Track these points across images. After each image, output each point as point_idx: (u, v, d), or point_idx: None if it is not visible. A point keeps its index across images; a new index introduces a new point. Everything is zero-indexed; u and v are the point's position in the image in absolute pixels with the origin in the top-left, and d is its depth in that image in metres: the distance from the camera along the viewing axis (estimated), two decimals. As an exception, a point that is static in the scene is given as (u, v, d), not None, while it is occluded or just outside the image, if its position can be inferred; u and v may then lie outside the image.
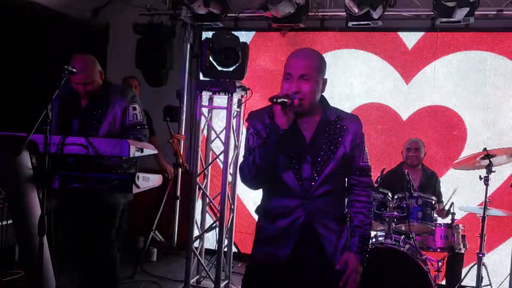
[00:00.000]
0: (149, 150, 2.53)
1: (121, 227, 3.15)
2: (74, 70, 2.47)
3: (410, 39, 4.86)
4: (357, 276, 2.10)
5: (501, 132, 4.65)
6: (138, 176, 2.35)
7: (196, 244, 4.38)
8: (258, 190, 2.21)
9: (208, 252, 4.73)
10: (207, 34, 5.17)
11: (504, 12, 4.18)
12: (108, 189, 2.53)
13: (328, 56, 5.11)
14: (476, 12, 3.97)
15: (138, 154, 2.38)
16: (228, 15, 4.89)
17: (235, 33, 4.15)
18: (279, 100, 1.94)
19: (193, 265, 4.30)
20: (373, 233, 3.81)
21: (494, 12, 4.22)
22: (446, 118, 4.81)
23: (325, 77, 2.12)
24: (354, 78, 5.06)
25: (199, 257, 4.35)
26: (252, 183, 2.13)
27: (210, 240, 4.91)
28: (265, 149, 2.00)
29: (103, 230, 3.02)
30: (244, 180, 2.13)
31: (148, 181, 2.50)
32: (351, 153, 2.11)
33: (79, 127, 2.92)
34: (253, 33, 5.32)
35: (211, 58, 4.04)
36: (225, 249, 4.28)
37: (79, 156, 2.33)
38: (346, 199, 2.22)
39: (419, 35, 4.82)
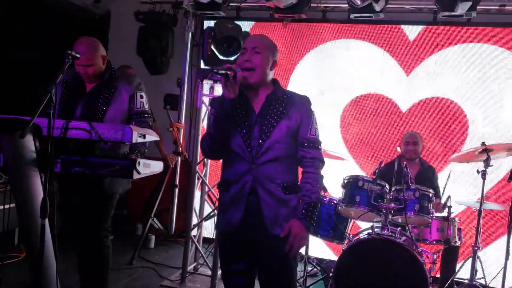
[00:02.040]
0: (151, 137, 2.55)
1: (118, 215, 3.16)
2: (77, 55, 2.48)
3: (412, 31, 4.87)
4: (301, 241, 2.24)
5: (501, 126, 4.68)
6: (139, 162, 2.37)
7: (194, 232, 4.42)
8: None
9: (206, 240, 4.77)
10: (208, 23, 5.17)
11: (507, 7, 4.20)
12: (110, 174, 2.56)
13: (328, 46, 5.14)
14: (478, 7, 3.98)
15: (140, 140, 2.39)
16: (230, 4, 4.88)
17: (237, 22, 4.16)
18: (220, 71, 2.15)
19: (191, 253, 4.34)
20: (369, 224, 3.86)
21: (497, 7, 4.24)
22: (446, 110, 4.83)
23: (275, 59, 2.35)
24: (355, 68, 5.06)
25: (197, 244, 4.39)
26: (210, 153, 2.39)
27: (208, 229, 4.95)
28: (216, 120, 2.27)
29: (98, 219, 3.04)
30: (203, 152, 2.41)
31: (149, 167, 2.52)
32: (297, 126, 2.30)
33: (83, 111, 2.92)
34: (254, 23, 5.32)
35: (213, 47, 4.05)
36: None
37: (81, 141, 2.35)
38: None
39: (420, 27, 4.83)
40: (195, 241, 4.35)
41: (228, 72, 2.15)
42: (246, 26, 5.19)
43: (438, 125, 4.85)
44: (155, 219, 5.01)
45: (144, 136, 2.44)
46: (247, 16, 5.27)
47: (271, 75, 2.35)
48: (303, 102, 2.36)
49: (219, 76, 2.16)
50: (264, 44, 2.31)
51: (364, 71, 5.04)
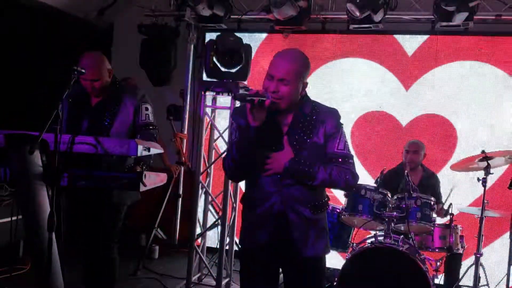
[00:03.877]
0: (156, 150, 2.59)
1: (124, 226, 3.20)
2: (83, 70, 2.53)
3: (410, 46, 4.94)
4: (274, 164, 2.16)
5: (499, 138, 4.73)
6: (145, 175, 2.41)
7: (198, 242, 4.45)
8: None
9: (210, 250, 4.80)
10: (210, 35, 5.24)
11: (503, 17, 4.25)
12: (116, 187, 2.60)
13: (329, 65, 5.21)
14: (475, 17, 4.04)
15: (145, 153, 2.44)
16: (232, 17, 4.96)
17: (238, 34, 4.22)
18: (247, 99, 2.06)
19: (195, 263, 4.37)
20: (372, 233, 3.88)
21: (493, 17, 4.29)
22: (440, 126, 4.90)
23: (306, 80, 2.23)
24: (355, 89, 5.14)
25: (201, 254, 4.42)
26: (232, 176, 2.36)
27: (212, 238, 4.98)
28: (240, 144, 2.17)
29: (105, 231, 3.06)
30: (225, 173, 2.32)
31: (155, 179, 2.56)
32: (324, 143, 2.21)
33: (89, 126, 2.97)
34: (256, 35, 5.40)
35: (215, 59, 4.11)
36: (227, 247, 4.35)
37: (88, 155, 2.39)
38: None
39: (418, 42, 4.90)
40: (199, 251, 4.38)
41: (255, 99, 2.06)
42: (248, 38, 5.26)
43: (436, 139, 4.91)
44: (158, 229, 5.04)
45: (149, 149, 2.48)
46: (248, 28, 5.34)
47: (299, 97, 2.24)
48: (332, 116, 2.25)
49: (247, 101, 2.06)
50: (293, 73, 2.14)
51: (364, 88, 5.11)
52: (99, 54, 3.07)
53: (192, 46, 5.43)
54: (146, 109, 3.08)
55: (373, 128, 5.13)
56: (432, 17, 4.32)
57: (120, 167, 2.89)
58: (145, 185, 2.44)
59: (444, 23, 4.06)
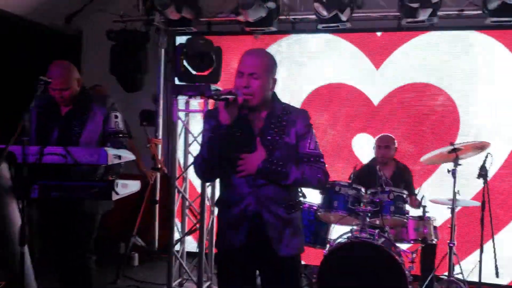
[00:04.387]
0: (127, 157, 2.59)
1: (99, 235, 3.17)
2: (49, 80, 2.51)
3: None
4: (247, 165, 2.18)
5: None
6: (117, 183, 2.40)
7: (177, 247, 4.44)
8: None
9: (190, 254, 4.79)
10: (181, 39, 5.22)
11: (465, 12, 4.37)
12: (88, 197, 2.58)
13: (299, 40, 5.26)
14: (439, 12, 4.13)
15: (116, 161, 2.44)
16: (201, 19, 4.96)
17: (209, 37, 4.23)
18: (221, 97, 2.10)
19: (175, 268, 4.36)
20: (348, 228, 3.94)
21: (456, 12, 4.40)
22: (418, 94, 4.95)
23: (275, 76, 2.28)
24: (326, 66, 5.17)
25: (181, 260, 4.41)
26: (202, 176, 2.36)
27: (192, 243, 4.97)
28: (210, 144, 2.18)
29: (81, 240, 3.04)
30: (196, 173, 2.33)
31: (127, 187, 2.56)
32: (296, 143, 2.25)
33: (59, 135, 2.93)
34: (227, 37, 5.41)
35: (185, 63, 4.12)
36: (207, 251, 4.35)
37: (58, 166, 2.37)
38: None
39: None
40: (179, 256, 4.37)
41: (229, 97, 2.09)
42: (218, 40, 5.26)
43: (409, 115, 4.98)
44: (137, 237, 5.01)
45: (119, 157, 2.48)
46: (219, 30, 5.34)
47: (271, 94, 2.29)
48: (302, 116, 2.29)
49: (221, 100, 2.09)
50: (262, 67, 2.20)
51: (334, 64, 5.15)
52: (67, 63, 3.05)
53: (163, 51, 5.41)
54: (116, 117, 3.06)
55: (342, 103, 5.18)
56: (398, 13, 4.40)
57: (91, 176, 2.86)
58: (117, 194, 2.44)
59: (409, 20, 4.15)
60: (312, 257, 5.01)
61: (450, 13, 4.43)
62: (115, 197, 2.44)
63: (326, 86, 5.20)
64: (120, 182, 2.47)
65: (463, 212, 4.63)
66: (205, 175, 2.34)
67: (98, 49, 5.51)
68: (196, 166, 2.29)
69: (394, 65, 5.00)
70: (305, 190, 3.95)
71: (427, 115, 4.94)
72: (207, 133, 2.26)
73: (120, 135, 3.03)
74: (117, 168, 2.93)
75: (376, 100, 5.09)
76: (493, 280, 4.10)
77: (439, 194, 4.23)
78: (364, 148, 5.01)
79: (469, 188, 4.44)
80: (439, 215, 4.33)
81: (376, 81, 5.06)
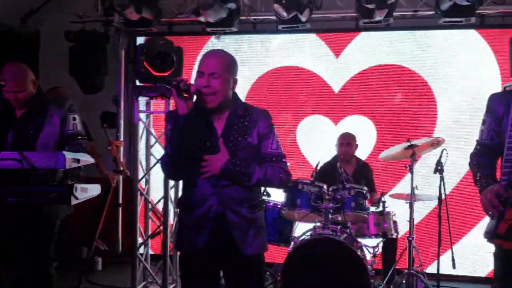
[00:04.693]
0: (86, 160, 2.55)
1: (60, 240, 3.12)
2: (2, 83, 2.45)
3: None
4: (211, 166, 2.19)
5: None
6: (76, 187, 2.37)
7: (142, 250, 4.40)
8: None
9: (154, 257, 4.75)
10: (141, 39, 5.18)
11: (419, 12, 4.52)
12: (46, 202, 2.53)
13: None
14: (395, 13, 4.26)
15: (74, 165, 2.40)
16: (162, 20, 4.92)
17: (170, 37, 4.20)
18: (171, 81, 2.12)
19: (139, 272, 4.32)
20: (312, 225, 4.01)
21: (411, 12, 4.55)
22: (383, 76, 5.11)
23: (235, 77, 2.29)
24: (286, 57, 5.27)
25: (145, 263, 4.37)
26: (169, 174, 2.39)
27: (155, 246, 4.92)
28: (172, 138, 2.20)
29: (40, 246, 2.97)
30: (164, 172, 2.36)
31: (87, 191, 2.52)
32: (258, 143, 2.27)
33: (14, 139, 2.87)
34: (189, 37, 5.39)
35: (146, 64, 4.08)
36: (172, 253, 4.33)
37: (14, 170, 2.31)
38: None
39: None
40: (143, 259, 4.33)
41: (180, 84, 2.09)
42: (179, 40, 5.23)
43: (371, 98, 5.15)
44: (99, 241, 4.93)
45: (78, 161, 2.44)
46: (180, 30, 5.32)
47: (231, 94, 2.29)
48: (264, 116, 2.31)
49: (169, 86, 2.09)
50: (223, 67, 2.21)
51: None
52: (21, 64, 2.98)
53: (123, 51, 5.33)
54: (74, 119, 3.01)
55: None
56: (356, 14, 4.51)
57: (49, 181, 2.79)
58: (76, 198, 2.41)
59: (366, 20, 4.25)
60: (277, 255, 5.07)
61: (405, 14, 4.57)
62: (74, 201, 2.40)
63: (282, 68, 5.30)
64: (79, 186, 2.43)
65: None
66: (172, 172, 2.34)
67: (56, 50, 5.39)
68: (162, 164, 2.30)
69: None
70: (268, 189, 4.01)
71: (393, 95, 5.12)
72: (169, 131, 2.26)
73: (79, 137, 2.98)
74: (76, 172, 2.88)
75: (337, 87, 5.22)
76: (450, 271, 4.26)
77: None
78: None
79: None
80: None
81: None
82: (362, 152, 4.86)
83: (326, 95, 5.24)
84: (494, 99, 2.23)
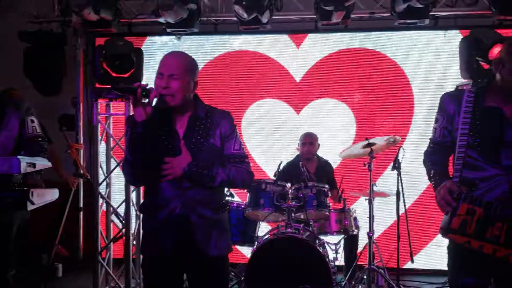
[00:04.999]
0: (43, 164, 2.49)
1: (18, 247, 3.04)
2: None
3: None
4: (173, 169, 2.17)
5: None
6: (32, 192, 2.31)
7: (104, 254, 4.33)
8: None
9: (116, 261, 4.68)
10: (100, 40, 5.08)
11: (376, 14, 4.64)
12: (1, 207, 2.46)
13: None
14: (352, 15, 4.36)
15: (30, 169, 2.34)
16: (121, 20, 4.85)
17: (129, 38, 4.15)
18: (127, 87, 2.12)
19: (101, 277, 4.25)
20: (275, 224, 4.05)
21: (368, 14, 4.67)
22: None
23: (196, 79, 2.26)
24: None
25: (107, 267, 4.30)
26: (130, 180, 2.36)
27: (117, 250, 4.84)
28: (130, 145, 2.16)
29: None
30: (125, 177, 2.36)
31: (44, 196, 2.47)
32: (221, 144, 2.27)
33: None
34: (150, 38, 5.34)
35: (105, 65, 4.02)
36: (134, 256, 4.28)
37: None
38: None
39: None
40: (105, 264, 4.26)
41: (137, 89, 2.05)
42: (139, 41, 5.17)
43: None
44: (60, 246, 4.81)
45: (34, 165, 2.39)
46: (140, 31, 5.26)
47: (192, 96, 2.27)
48: (226, 117, 2.30)
49: (124, 92, 2.07)
50: (182, 68, 2.18)
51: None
52: None
53: (82, 52, 5.23)
54: (32, 121, 2.96)
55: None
56: (315, 16, 4.59)
57: (5, 186, 2.72)
58: (33, 203, 2.35)
59: (325, 22, 4.34)
60: (241, 255, 5.09)
61: (363, 16, 4.69)
62: (30, 207, 2.34)
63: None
64: (36, 191, 2.38)
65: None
66: (133, 178, 2.29)
67: (12, 51, 5.21)
68: (124, 171, 2.28)
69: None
70: (233, 189, 4.03)
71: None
72: (128, 137, 2.22)
73: (39, 138, 2.93)
74: (36, 176, 2.81)
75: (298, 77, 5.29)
76: (409, 265, 4.39)
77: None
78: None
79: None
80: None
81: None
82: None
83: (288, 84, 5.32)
84: (446, 98, 2.30)
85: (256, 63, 5.32)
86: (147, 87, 2.11)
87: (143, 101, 2.09)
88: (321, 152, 4.73)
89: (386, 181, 4.89)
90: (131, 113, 2.27)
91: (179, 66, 2.18)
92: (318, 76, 5.27)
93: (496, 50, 3.44)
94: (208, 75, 5.24)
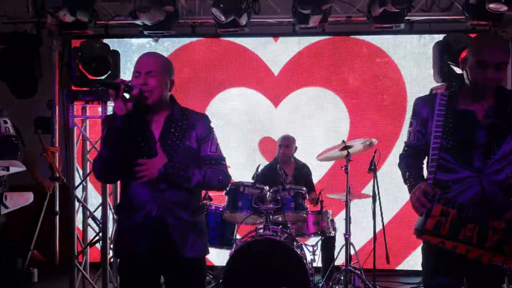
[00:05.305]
0: (16, 168, 2.45)
1: None
2: None
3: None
4: (148, 171, 2.17)
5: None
6: (5, 196, 2.27)
7: (80, 258, 4.27)
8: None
9: (93, 266, 4.62)
10: (76, 42, 5.02)
11: (353, 18, 4.71)
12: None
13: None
14: (329, 18, 4.41)
15: (3, 173, 2.30)
16: (98, 22, 4.80)
17: (106, 40, 4.11)
18: (112, 82, 2.11)
19: (78, 281, 4.19)
20: (253, 227, 4.06)
21: (344, 18, 4.73)
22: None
23: (172, 78, 2.29)
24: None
25: (84, 272, 4.25)
26: (101, 176, 2.30)
27: (94, 254, 4.78)
28: (107, 139, 2.16)
29: None
30: (95, 174, 2.29)
31: (18, 200, 2.43)
32: (197, 146, 2.28)
33: None
34: (127, 40, 5.31)
35: (81, 67, 3.98)
36: (111, 260, 4.23)
37: None
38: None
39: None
40: (81, 268, 4.21)
41: (120, 84, 2.08)
42: (117, 43, 5.12)
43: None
44: (35, 251, 4.73)
45: (8, 168, 2.35)
46: (117, 33, 5.22)
47: (168, 95, 2.29)
48: (202, 120, 2.32)
49: (107, 87, 2.06)
50: (159, 66, 2.22)
51: None
52: None
53: (57, 54, 5.15)
54: (5, 122, 2.94)
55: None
56: (293, 20, 4.62)
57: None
58: (6, 207, 2.32)
59: (303, 25, 4.37)
60: (219, 258, 5.09)
61: (340, 20, 4.74)
62: (4, 211, 2.31)
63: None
64: (9, 195, 2.34)
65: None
66: (103, 174, 2.26)
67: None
68: (94, 166, 2.25)
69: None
70: (211, 192, 4.02)
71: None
72: (105, 133, 2.21)
73: (13, 138, 2.89)
74: (6, 180, 2.77)
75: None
76: (385, 266, 4.45)
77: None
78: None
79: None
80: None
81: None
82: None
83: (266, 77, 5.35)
84: (419, 102, 2.34)
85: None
86: (130, 84, 2.12)
87: (125, 96, 2.10)
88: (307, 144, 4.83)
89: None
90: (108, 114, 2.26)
91: (156, 64, 2.22)
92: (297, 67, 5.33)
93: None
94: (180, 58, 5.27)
